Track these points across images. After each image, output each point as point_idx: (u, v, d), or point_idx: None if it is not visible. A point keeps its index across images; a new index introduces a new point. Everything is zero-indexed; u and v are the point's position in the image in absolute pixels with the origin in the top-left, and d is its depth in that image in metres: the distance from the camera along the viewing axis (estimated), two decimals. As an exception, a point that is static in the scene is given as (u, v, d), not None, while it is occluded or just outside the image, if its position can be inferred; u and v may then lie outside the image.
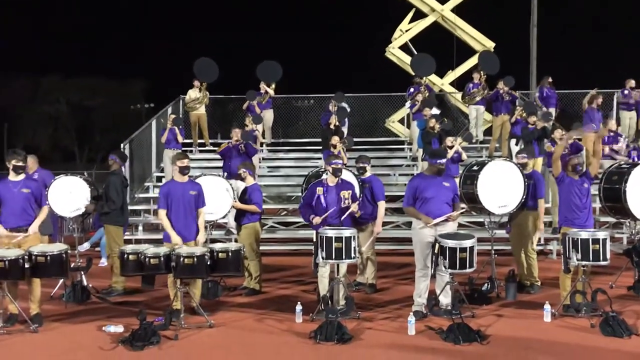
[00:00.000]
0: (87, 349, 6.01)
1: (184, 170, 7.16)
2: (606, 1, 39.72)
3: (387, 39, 18.06)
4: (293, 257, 11.00)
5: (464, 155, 10.58)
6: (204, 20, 57.85)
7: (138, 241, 11.34)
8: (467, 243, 6.44)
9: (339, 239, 6.54)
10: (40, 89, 42.93)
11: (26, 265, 6.40)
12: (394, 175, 13.90)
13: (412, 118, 14.25)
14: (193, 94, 14.20)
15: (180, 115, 14.57)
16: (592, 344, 6.04)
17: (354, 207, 7.08)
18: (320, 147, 12.68)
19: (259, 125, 13.26)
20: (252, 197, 8.26)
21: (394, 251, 11.06)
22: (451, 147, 10.29)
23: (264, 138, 14.34)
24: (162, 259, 6.65)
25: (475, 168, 8.23)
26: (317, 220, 7.04)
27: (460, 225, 8.89)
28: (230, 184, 8.98)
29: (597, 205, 9.52)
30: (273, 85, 14.26)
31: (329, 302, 6.68)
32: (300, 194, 9.79)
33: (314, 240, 7.00)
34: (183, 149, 12.85)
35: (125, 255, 6.84)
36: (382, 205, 8.18)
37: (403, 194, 7.56)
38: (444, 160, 7.04)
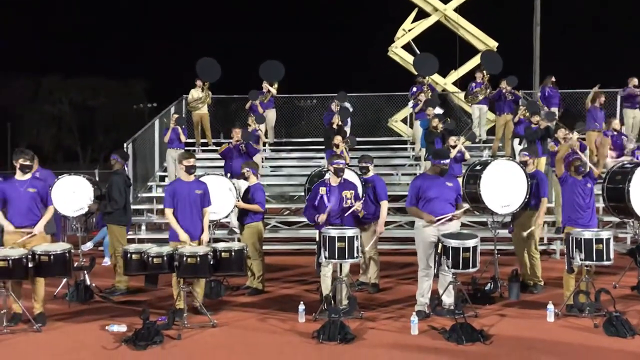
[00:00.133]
0: (90, 349, 6.01)
1: (190, 170, 7.17)
2: (606, 1, 39.69)
3: (389, 38, 18.06)
4: (296, 257, 11.01)
5: (467, 155, 10.57)
6: (206, 20, 57.95)
7: (141, 241, 11.33)
8: (470, 243, 6.43)
9: (341, 239, 6.53)
10: (43, 89, 43.05)
11: (29, 265, 6.41)
12: (397, 174, 13.89)
13: (414, 118, 14.24)
14: (196, 93, 14.22)
15: (183, 115, 14.57)
16: (596, 344, 6.02)
17: (358, 206, 7.07)
18: (323, 147, 12.68)
19: (262, 125, 13.27)
20: (254, 196, 8.26)
21: (397, 251, 11.05)
22: (454, 147, 10.28)
23: (266, 138, 14.34)
24: (165, 258, 6.67)
25: (478, 168, 8.22)
26: (322, 217, 7.02)
27: (463, 225, 8.88)
28: (233, 184, 8.99)
29: (600, 205, 9.51)
30: (276, 85, 14.26)
31: (332, 301, 6.68)
32: (302, 194, 9.80)
33: (317, 239, 6.99)
34: (186, 148, 12.86)
35: (129, 255, 6.85)
36: (384, 205, 8.18)
37: (406, 193, 7.55)
38: (447, 161, 7.03)
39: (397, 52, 17.68)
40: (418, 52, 16.46)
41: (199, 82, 14.07)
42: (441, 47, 16.54)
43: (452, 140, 10.46)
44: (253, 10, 59.24)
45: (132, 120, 39.66)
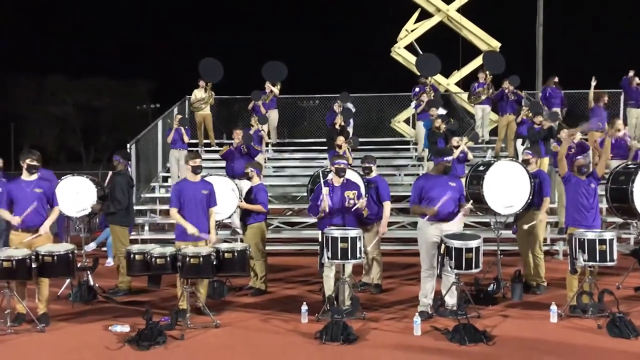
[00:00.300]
0: (93, 349, 6.02)
1: (196, 170, 7.21)
2: (607, 1, 39.64)
3: (390, 38, 18.08)
4: (298, 257, 11.01)
5: (470, 155, 10.56)
6: (209, 21, 58.06)
7: (144, 241, 11.36)
8: (473, 243, 6.43)
9: (344, 239, 6.54)
10: (46, 90, 43.18)
11: (33, 265, 6.43)
12: (400, 175, 13.88)
13: (417, 118, 14.23)
14: (199, 94, 14.23)
15: (186, 116, 14.59)
16: (599, 345, 6.01)
17: (361, 204, 7.06)
18: (326, 147, 12.68)
19: (264, 125, 13.27)
20: (257, 196, 8.26)
21: (400, 251, 11.05)
22: (457, 147, 10.26)
23: (269, 138, 14.34)
24: (168, 259, 6.68)
25: (481, 168, 8.22)
26: (324, 204, 6.97)
27: (466, 226, 8.88)
28: (236, 184, 9.00)
29: (604, 205, 9.49)
30: (278, 85, 14.27)
31: (335, 302, 6.70)
32: (305, 194, 9.80)
33: (320, 240, 6.99)
34: (189, 149, 12.87)
35: (132, 255, 6.87)
36: (387, 205, 8.17)
37: (409, 194, 7.57)
38: (450, 158, 7.03)
39: (400, 52, 17.68)
40: (421, 52, 16.47)
41: (202, 83, 14.08)
42: (444, 47, 16.54)
43: (454, 140, 10.45)
44: (256, 11, 59.36)
45: (135, 121, 39.77)
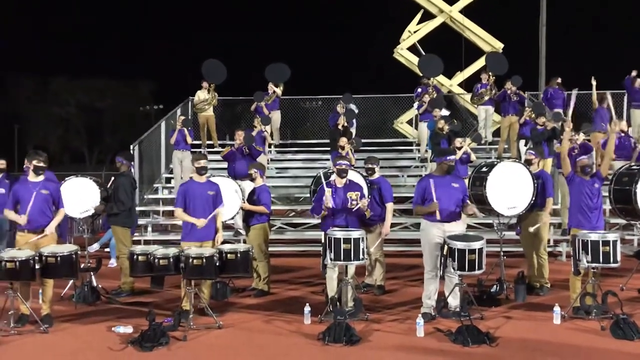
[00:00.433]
0: (96, 350, 6.03)
1: (200, 171, 7.22)
2: (607, 1, 39.56)
3: (393, 39, 18.08)
4: (301, 258, 11.00)
5: (473, 156, 10.55)
6: (211, 22, 58.10)
7: (147, 242, 11.38)
8: (476, 245, 6.42)
9: (347, 241, 6.54)
10: (49, 91, 43.27)
11: (36, 266, 6.44)
12: (403, 176, 13.87)
13: (419, 119, 14.22)
14: (202, 95, 14.24)
15: (189, 117, 14.61)
16: (603, 346, 5.99)
17: (363, 204, 7.05)
18: (329, 148, 12.68)
19: (267, 126, 13.28)
20: (260, 197, 8.27)
21: (403, 252, 11.03)
22: (460, 148, 10.26)
23: (272, 139, 14.35)
24: (171, 260, 6.70)
25: (484, 169, 8.21)
26: (327, 200, 6.95)
27: (469, 227, 8.88)
28: (239, 185, 9.00)
29: (607, 206, 9.47)
30: (281, 86, 14.28)
31: (338, 303, 6.68)
32: (308, 195, 9.79)
33: (323, 241, 6.99)
34: (192, 150, 12.89)
35: (135, 256, 6.88)
36: (390, 206, 8.17)
37: (411, 195, 7.56)
38: (453, 157, 7.03)
39: (403, 53, 17.69)
40: (424, 53, 16.46)
41: (205, 84, 14.09)
42: (447, 48, 16.54)
43: (457, 141, 10.44)
44: (259, 11, 59.46)
45: (138, 122, 39.84)
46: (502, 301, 7.67)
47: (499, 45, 17.13)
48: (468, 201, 7.03)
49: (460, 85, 17.66)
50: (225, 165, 11.58)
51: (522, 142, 12.14)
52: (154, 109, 42.81)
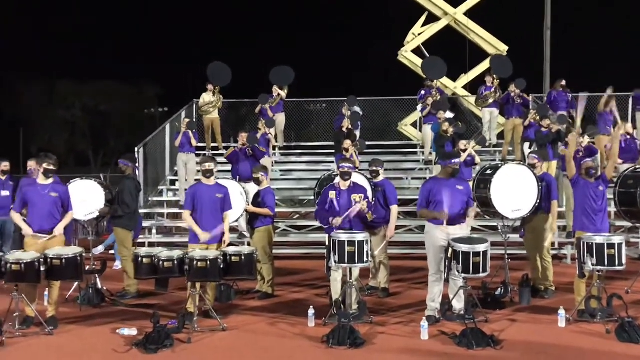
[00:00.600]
0: (101, 352, 6.04)
1: (206, 174, 7.24)
2: (612, 2, 39.51)
3: (397, 41, 18.08)
4: (305, 261, 11.01)
5: (478, 159, 10.53)
6: (217, 25, 58.17)
7: (151, 244, 11.40)
8: (481, 247, 6.40)
9: (351, 243, 6.54)
10: (55, 94, 43.39)
11: (42, 269, 6.45)
12: (407, 179, 13.86)
13: (423, 121, 14.21)
14: (207, 97, 14.27)
15: (194, 119, 14.63)
16: (608, 349, 5.97)
17: (363, 205, 7.03)
18: (333, 151, 12.69)
19: (272, 128, 13.30)
20: (265, 200, 8.27)
21: (407, 255, 11.02)
22: (464, 151, 10.24)
23: (276, 142, 14.36)
24: (175, 262, 6.71)
25: (488, 172, 8.19)
26: (337, 220, 7.00)
27: (473, 230, 8.86)
28: (243, 187, 9.01)
29: (612, 209, 9.44)
30: (286, 89, 14.30)
31: (342, 306, 6.68)
32: (312, 198, 9.80)
33: (327, 244, 6.99)
34: (197, 152, 12.91)
35: (140, 259, 6.90)
36: (394, 209, 8.16)
37: (416, 197, 7.56)
38: (457, 160, 7.02)
39: (407, 56, 17.67)
40: (428, 56, 16.45)
41: (210, 87, 14.12)
42: (451, 51, 16.55)
43: (462, 144, 10.42)
44: (263, 13, 59.58)
45: (143, 125, 39.90)
46: (507, 304, 7.66)
47: (503, 48, 17.11)
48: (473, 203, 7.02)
49: (464, 87, 17.64)
50: (228, 167, 11.58)
51: (527, 144, 12.11)
52: (159, 112, 42.83)
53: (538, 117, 11.57)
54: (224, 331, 6.64)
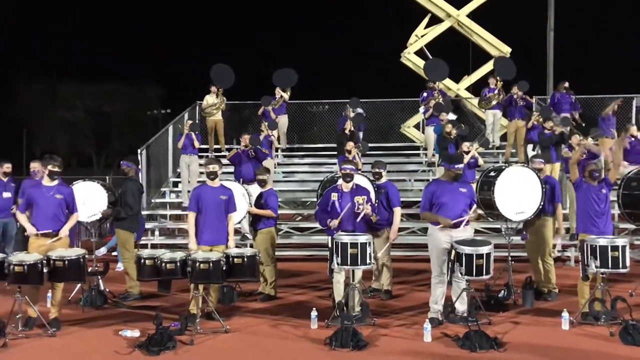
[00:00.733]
0: (103, 353, 6.04)
1: (210, 176, 7.24)
2: (615, 4, 39.45)
3: (400, 43, 18.09)
4: (308, 263, 11.00)
5: (481, 161, 10.50)
6: (219, 26, 58.26)
7: (154, 246, 11.40)
8: (484, 249, 6.39)
9: (354, 245, 6.52)
10: (57, 95, 43.49)
11: (44, 270, 6.45)
12: (410, 180, 13.85)
13: (425, 123, 14.19)
14: (210, 99, 14.27)
15: (197, 121, 14.62)
16: (612, 352, 5.95)
17: (367, 208, 7.04)
18: (335, 153, 12.68)
19: (274, 130, 13.29)
20: (268, 201, 8.27)
21: (410, 257, 11.00)
22: (467, 153, 10.22)
23: (279, 143, 14.36)
24: (178, 264, 6.70)
25: (492, 174, 8.16)
26: (334, 222, 7.02)
27: (476, 232, 8.84)
28: (246, 189, 9.00)
29: (616, 211, 9.41)
30: (288, 91, 14.29)
31: (344, 308, 6.66)
32: (315, 200, 9.79)
33: (329, 246, 6.98)
34: (199, 154, 12.91)
35: (142, 260, 6.90)
36: (397, 211, 8.15)
37: (419, 199, 7.55)
38: (461, 165, 7.00)
39: (410, 57, 17.67)
40: (431, 57, 16.43)
41: (213, 88, 14.12)
42: (454, 52, 16.52)
43: (465, 146, 10.39)
44: (267, 15, 59.65)
45: (146, 126, 39.97)
46: (510, 306, 7.64)
47: (506, 50, 17.09)
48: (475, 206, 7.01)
49: (467, 89, 17.63)
50: (231, 169, 11.58)
51: (530, 146, 12.08)
52: (162, 113, 42.95)
53: (541, 119, 11.54)
54: (227, 333, 6.63)
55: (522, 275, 8.23)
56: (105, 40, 54.78)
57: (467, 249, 6.37)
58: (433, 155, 13.31)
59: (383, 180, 8.36)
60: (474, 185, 8.20)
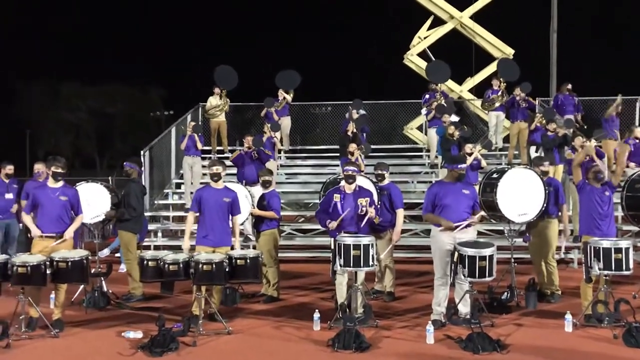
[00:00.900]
0: (106, 355, 6.05)
1: (213, 177, 7.25)
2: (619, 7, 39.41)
3: (403, 45, 18.06)
4: (311, 264, 10.99)
5: (484, 163, 10.47)
6: (222, 28, 58.31)
7: (157, 247, 11.41)
8: (487, 251, 6.37)
9: (357, 247, 6.51)
10: (60, 96, 43.55)
11: (48, 271, 6.45)
12: (413, 182, 13.83)
13: (428, 125, 14.18)
14: (214, 101, 14.28)
15: (200, 122, 14.64)
16: (615, 354, 5.94)
17: (371, 212, 7.04)
18: (338, 154, 12.67)
19: (277, 132, 13.30)
20: (270, 203, 8.27)
21: (413, 259, 10.99)
22: (470, 155, 10.20)
23: (282, 145, 14.36)
24: (181, 265, 6.71)
25: (494, 176, 8.16)
26: (333, 224, 7.02)
27: (479, 234, 8.82)
28: (248, 191, 9.00)
29: (619, 213, 9.38)
30: (291, 93, 14.30)
31: (347, 310, 6.66)
32: (318, 201, 9.79)
33: (332, 247, 6.98)
34: (202, 156, 12.92)
35: (145, 262, 6.90)
36: (400, 212, 8.14)
37: (422, 201, 7.53)
38: (464, 165, 6.99)
39: (413, 59, 17.64)
40: (434, 59, 16.41)
41: (216, 90, 14.12)
42: (457, 54, 16.50)
43: (468, 147, 10.37)
44: (269, 15, 59.72)
45: (149, 128, 40.01)
46: (513, 308, 7.63)
47: (509, 51, 17.05)
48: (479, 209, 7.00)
49: (470, 91, 17.58)
50: (233, 170, 11.59)
51: (533, 148, 12.06)
52: (165, 115, 42.94)
53: (544, 121, 11.52)
54: (229, 334, 6.63)
55: (525, 277, 8.21)
56: (107, 40, 54.87)
57: (470, 251, 6.36)
58: (436, 157, 13.28)
59: (386, 182, 8.36)
60: (476, 187, 8.18)
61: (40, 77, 42.37)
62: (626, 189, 8.25)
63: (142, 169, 9.12)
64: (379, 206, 7.69)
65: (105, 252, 11.23)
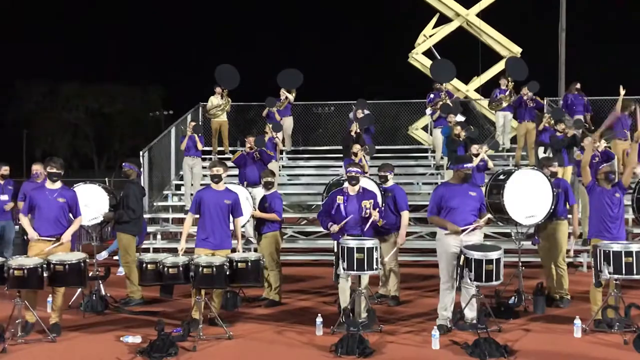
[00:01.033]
0: (104, 360, 5.95)
1: (214, 179, 7.15)
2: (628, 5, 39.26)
3: (406, 42, 17.98)
4: (313, 268, 10.90)
5: (490, 164, 10.31)
6: (223, 28, 58.40)
7: (156, 250, 11.32)
8: (494, 255, 6.26)
9: (360, 250, 6.40)
10: (59, 96, 43.62)
11: (44, 274, 6.35)
12: (418, 184, 13.70)
13: (433, 125, 14.06)
14: (215, 100, 14.17)
15: (200, 123, 14.53)
16: (626, 361, 5.81)
17: (375, 215, 6.90)
18: (341, 155, 12.55)
19: (279, 132, 13.17)
20: (272, 205, 8.15)
21: (418, 262, 10.90)
22: (477, 155, 10.05)
23: (283, 146, 14.24)
24: (180, 268, 6.62)
25: (501, 177, 8.01)
26: (335, 228, 6.91)
27: (486, 236, 8.71)
28: (250, 192, 8.88)
29: (630, 216, 9.24)
30: (294, 92, 14.18)
31: (350, 314, 6.57)
32: (320, 203, 9.68)
33: (335, 250, 6.85)
34: (202, 156, 12.81)
35: (144, 265, 6.81)
36: (405, 215, 8.01)
37: (427, 203, 7.43)
38: (470, 165, 6.85)
39: (418, 58, 17.52)
40: (439, 58, 16.27)
41: (218, 90, 14.01)
42: (463, 53, 16.38)
43: (474, 148, 10.21)
44: (270, 15, 59.78)
45: (148, 128, 40.01)
46: (521, 313, 7.52)
47: (517, 50, 16.91)
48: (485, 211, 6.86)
49: (477, 90, 17.45)
50: (235, 172, 11.47)
51: (541, 149, 11.90)
52: (164, 115, 42.86)
53: (553, 121, 11.37)
54: (230, 339, 6.52)
55: (533, 281, 8.09)
56: (106, 41, 55.07)
57: (476, 254, 6.25)
58: (441, 157, 13.17)
59: (390, 183, 8.23)
60: (483, 189, 8.03)
61: (37, 76, 42.52)
62: (637, 191, 8.12)
63: (141, 170, 9.01)
64: (383, 208, 7.56)
65: (104, 254, 11.12)
